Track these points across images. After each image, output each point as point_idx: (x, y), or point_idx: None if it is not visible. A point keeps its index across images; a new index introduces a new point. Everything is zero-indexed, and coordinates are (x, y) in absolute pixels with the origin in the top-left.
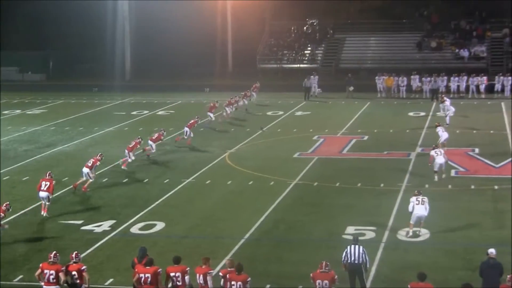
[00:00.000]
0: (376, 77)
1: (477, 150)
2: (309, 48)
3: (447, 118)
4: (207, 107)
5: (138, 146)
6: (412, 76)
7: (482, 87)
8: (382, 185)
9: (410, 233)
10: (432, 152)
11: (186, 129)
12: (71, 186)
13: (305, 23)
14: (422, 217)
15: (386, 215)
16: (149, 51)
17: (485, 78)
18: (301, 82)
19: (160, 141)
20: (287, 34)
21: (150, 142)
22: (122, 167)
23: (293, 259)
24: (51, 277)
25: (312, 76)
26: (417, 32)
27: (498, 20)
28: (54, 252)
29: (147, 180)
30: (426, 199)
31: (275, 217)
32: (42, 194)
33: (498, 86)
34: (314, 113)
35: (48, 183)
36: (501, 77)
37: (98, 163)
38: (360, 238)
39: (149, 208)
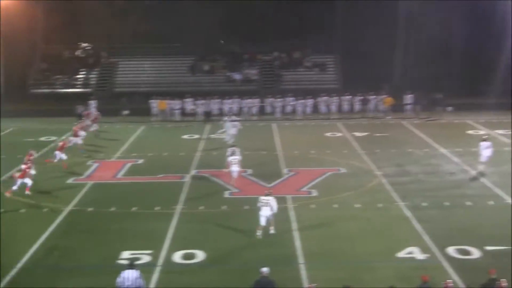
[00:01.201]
0: (150, 101)
1: (250, 171)
2: (83, 73)
3: (227, 138)
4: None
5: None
6: (185, 99)
7: (254, 109)
8: (157, 208)
9: (259, 235)
10: (230, 159)
11: (57, 152)
12: None
13: (78, 47)
14: (268, 216)
15: (162, 238)
16: None
17: (257, 100)
18: (75, 106)
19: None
20: (59, 59)
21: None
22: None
23: (67, 287)
24: None
25: (91, 102)
26: (190, 55)
27: (268, 44)
28: None
29: None
30: (270, 199)
31: (48, 245)
32: None
33: (268, 108)
34: (88, 138)
35: None
36: (272, 99)
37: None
38: (136, 262)
39: None
